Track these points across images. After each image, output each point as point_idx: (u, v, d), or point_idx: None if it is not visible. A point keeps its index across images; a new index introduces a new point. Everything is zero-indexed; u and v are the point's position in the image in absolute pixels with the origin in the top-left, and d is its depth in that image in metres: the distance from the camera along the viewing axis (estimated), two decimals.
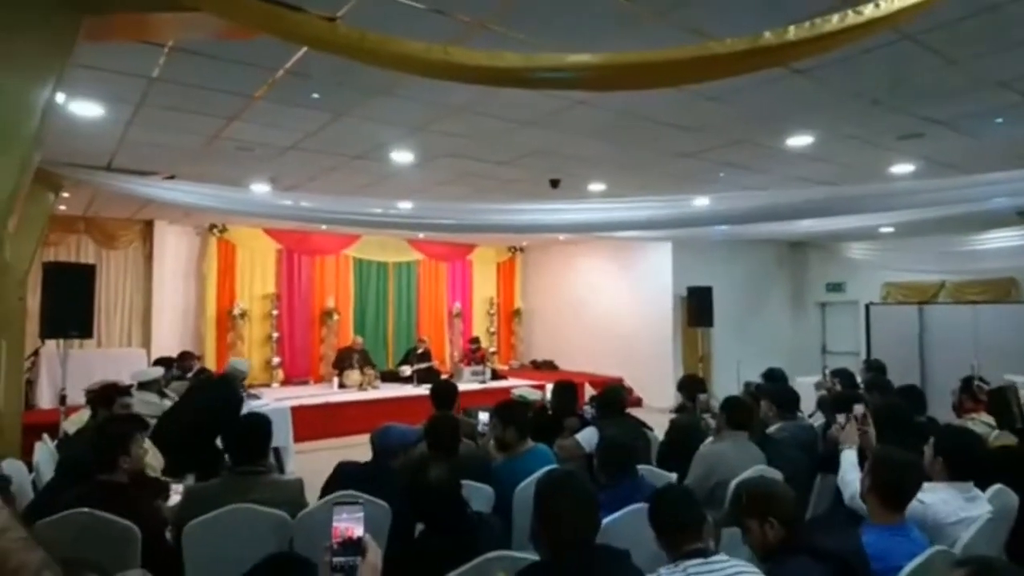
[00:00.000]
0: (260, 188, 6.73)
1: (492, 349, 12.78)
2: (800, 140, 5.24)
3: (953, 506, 2.56)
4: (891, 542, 2.25)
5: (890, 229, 9.42)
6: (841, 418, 3.54)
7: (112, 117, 4.63)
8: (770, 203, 6.08)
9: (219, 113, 4.57)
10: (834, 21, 2.16)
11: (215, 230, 10.10)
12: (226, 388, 4.94)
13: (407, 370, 10.18)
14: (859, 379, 5.59)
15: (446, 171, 6.29)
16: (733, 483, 3.17)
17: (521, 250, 13.70)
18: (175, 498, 3.42)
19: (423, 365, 10.26)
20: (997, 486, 2.76)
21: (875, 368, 5.96)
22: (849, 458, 3.10)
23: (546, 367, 12.48)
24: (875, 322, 9.30)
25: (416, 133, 5.07)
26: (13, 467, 3.52)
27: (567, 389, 4.56)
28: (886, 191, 5.90)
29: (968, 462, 2.71)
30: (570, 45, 3.08)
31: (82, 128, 4.77)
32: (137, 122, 4.75)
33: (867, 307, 9.60)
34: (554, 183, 6.64)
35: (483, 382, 10.08)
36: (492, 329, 13.21)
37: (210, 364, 9.15)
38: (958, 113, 4.57)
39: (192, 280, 10.21)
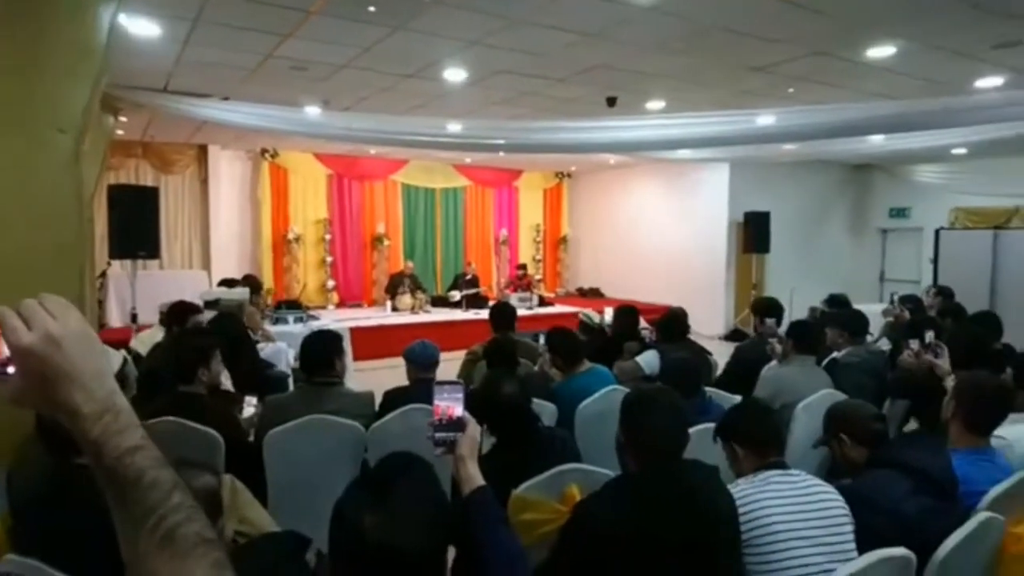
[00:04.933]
0: (313, 111, 6.67)
1: (538, 276, 12.75)
2: (882, 51, 4.88)
3: None
4: (976, 467, 2.19)
5: (963, 151, 8.87)
6: (914, 343, 3.44)
7: (168, 36, 4.59)
8: (840, 118, 5.75)
9: (274, 29, 4.48)
10: None
11: (267, 155, 10.16)
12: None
13: (456, 295, 10.30)
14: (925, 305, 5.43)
15: (500, 90, 6.11)
16: (800, 406, 3.15)
17: (568, 176, 13.43)
18: (248, 410, 3.56)
19: (471, 291, 10.35)
20: None
21: (945, 294, 5.76)
22: None
23: (592, 295, 12.45)
24: (944, 248, 8.88)
25: (471, 47, 4.89)
26: None
27: (628, 313, 4.53)
28: (969, 104, 5.49)
29: None
30: None
31: (140, 49, 4.75)
32: (193, 41, 4.70)
33: (937, 232, 9.16)
34: (611, 101, 6.37)
35: (530, 308, 10.12)
36: (538, 256, 13.15)
37: (267, 285, 9.39)
38: None
39: (247, 205, 10.39)
